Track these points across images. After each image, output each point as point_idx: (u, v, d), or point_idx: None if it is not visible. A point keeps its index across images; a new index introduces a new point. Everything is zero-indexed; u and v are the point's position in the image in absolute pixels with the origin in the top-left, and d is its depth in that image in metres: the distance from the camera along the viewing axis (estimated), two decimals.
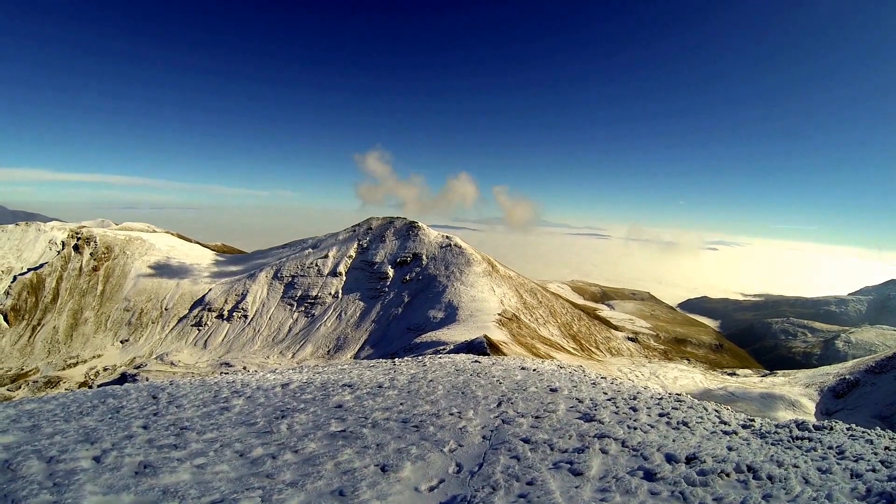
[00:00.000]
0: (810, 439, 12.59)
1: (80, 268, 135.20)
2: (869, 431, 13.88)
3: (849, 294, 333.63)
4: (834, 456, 10.93)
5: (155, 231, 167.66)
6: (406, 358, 36.01)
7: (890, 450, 11.57)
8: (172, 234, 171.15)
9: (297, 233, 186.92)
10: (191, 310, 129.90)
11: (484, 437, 11.76)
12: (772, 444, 12.10)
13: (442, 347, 76.72)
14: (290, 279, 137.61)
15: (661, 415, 14.66)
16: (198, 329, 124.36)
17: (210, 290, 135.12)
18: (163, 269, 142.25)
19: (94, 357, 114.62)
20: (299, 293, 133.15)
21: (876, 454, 10.96)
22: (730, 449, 11.06)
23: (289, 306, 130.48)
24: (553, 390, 18.27)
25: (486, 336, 76.96)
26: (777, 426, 14.38)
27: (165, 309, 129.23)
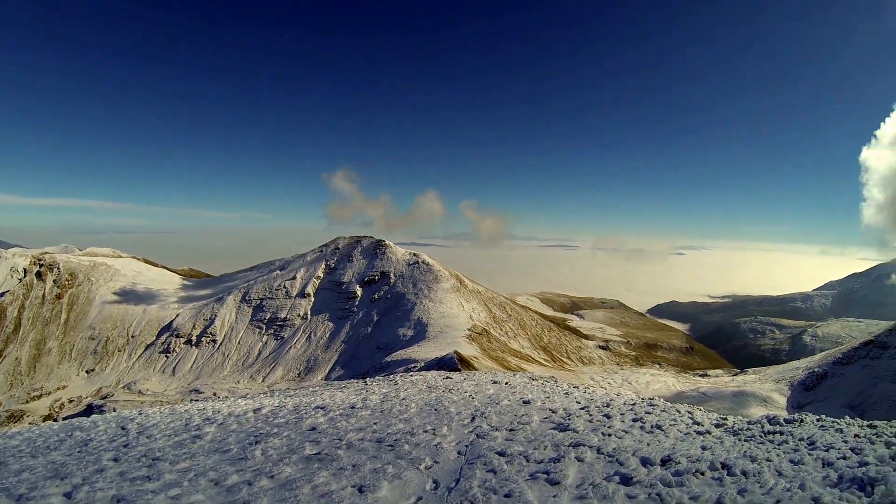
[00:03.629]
0: (782, 433, 12.85)
1: (43, 296, 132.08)
2: (839, 421, 14.12)
3: (814, 290, 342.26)
4: (805, 447, 11.15)
5: (121, 256, 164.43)
6: (377, 377, 36.43)
7: (860, 437, 11.81)
8: (139, 260, 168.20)
9: (265, 254, 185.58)
10: (158, 336, 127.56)
11: (459, 453, 11.79)
12: (745, 441, 12.32)
13: (413, 365, 77.23)
14: (258, 302, 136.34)
15: (634, 420, 14.86)
16: (166, 356, 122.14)
17: (177, 315, 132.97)
18: (129, 296, 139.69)
19: (58, 388, 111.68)
20: (268, 316, 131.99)
21: (846, 442, 11.21)
22: (704, 448, 11.27)
23: (258, 329, 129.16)
24: (526, 402, 18.44)
25: (456, 352, 77.71)
26: (749, 423, 14.63)
27: (132, 336, 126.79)
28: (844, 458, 9.82)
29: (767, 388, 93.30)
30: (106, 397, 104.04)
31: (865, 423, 14.02)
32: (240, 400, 25.95)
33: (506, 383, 25.85)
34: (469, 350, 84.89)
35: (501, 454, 11.35)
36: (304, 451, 12.42)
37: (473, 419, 15.50)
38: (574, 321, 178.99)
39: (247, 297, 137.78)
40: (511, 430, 13.85)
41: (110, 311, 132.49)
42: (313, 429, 15.20)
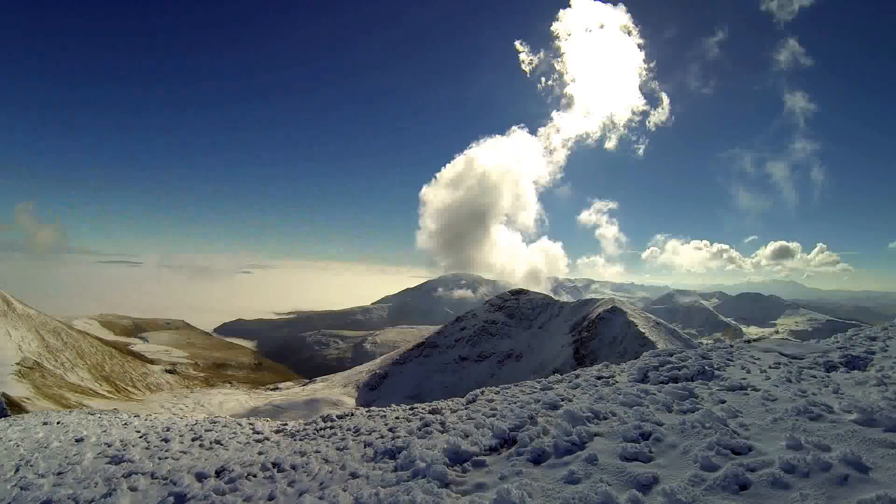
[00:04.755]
0: (332, 427, 15.18)
1: None
2: (384, 409, 17.27)
3: (372, 303, 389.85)
4: (351, 435, 13.35)
5: None
6: None
7: (399, 419, 14.61)
8: None
9: None
10: None
11: None
12: (299, 440, 14.12)
13: None
14: None
15: (194, 439, 15.67)
16: None
17: None
18: None
19: None
20: None
21: (386, 425, 13.71)
22: (260, 453, 12.68)
23: None
24: (79, 440, 17.92)
25: (3, 394, 67.85)
26: (306, 424, 17.28)
27: None
28: (382, 437, 12.07)
29: (337, 392, 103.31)
30: None
31: (407, 406, 16.75)
32: None
33: (58, 423, 24.65)
34: (20, 390, 74.32)
35: (48, 503, 10.87)
36: None
37: (18, 470, 14.31)
38: (138, 345, 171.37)
39: None
40: (60, 473, 13.17)
41: None
42: None
